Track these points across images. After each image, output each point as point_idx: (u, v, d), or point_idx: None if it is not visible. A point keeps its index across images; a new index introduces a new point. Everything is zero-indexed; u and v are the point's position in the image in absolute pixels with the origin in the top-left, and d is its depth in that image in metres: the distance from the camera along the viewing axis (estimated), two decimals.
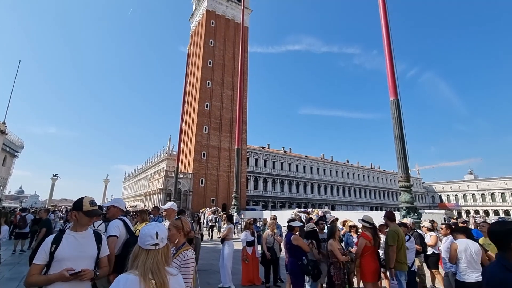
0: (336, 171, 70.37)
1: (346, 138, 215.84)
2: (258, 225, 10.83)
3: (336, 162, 72.14)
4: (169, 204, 4.93)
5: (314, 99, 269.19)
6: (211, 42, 49.29)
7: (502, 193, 75.28)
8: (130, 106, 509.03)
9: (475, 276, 4.11)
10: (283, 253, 6.05)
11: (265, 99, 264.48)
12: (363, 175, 76.02)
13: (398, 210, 12.60)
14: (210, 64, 48.22)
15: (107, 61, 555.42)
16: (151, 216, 7.17)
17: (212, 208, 28.85)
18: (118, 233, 3.31)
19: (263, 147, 61.28)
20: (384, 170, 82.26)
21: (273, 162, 59.88)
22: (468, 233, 4.50)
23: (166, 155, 56.04)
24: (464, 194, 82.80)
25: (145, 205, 42.58)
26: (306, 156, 66.71)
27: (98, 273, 2.21)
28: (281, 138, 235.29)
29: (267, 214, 25.03)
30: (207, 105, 46.37)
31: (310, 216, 15.61)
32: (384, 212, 5.59)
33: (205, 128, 45.56)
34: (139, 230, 5.31)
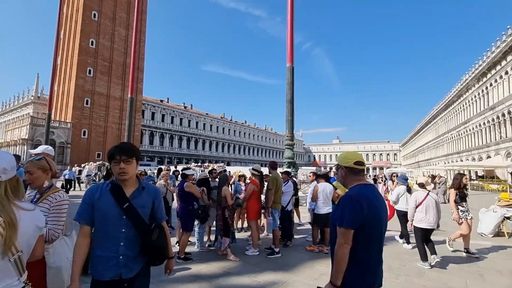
0: (234, 131, 73.73)
1: (246, 100, 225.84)
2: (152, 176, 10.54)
3: (235, 122, 75.23)
4: (41, 148, 3.43)
5: (219, 57, 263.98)
6: None
7: None
8: None
9: (326, 209, 5.40)
10: (175, 203, 6.17)
11: (166, 48, 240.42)
12: (258, 136, 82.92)
13: (282, 166, 14.63)
14: None
15: None
16: None
17: (98, 163, 25.79)
18: None
19: (161, 101, 57.08)
20: (275, 132, 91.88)
21: (172, 117, 57.13)
22: (327, 178, 5.77)
23: (32, 98, 44.74)
24: (331, 155, 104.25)
25: None
26: (207, 114, 66.51)
27: None
28: (182, 93, 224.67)
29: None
30: (92, 42, 38.41)
31: (204, 168, 16.59)
32: None
33: (90, 70, 38.22)
34: None
